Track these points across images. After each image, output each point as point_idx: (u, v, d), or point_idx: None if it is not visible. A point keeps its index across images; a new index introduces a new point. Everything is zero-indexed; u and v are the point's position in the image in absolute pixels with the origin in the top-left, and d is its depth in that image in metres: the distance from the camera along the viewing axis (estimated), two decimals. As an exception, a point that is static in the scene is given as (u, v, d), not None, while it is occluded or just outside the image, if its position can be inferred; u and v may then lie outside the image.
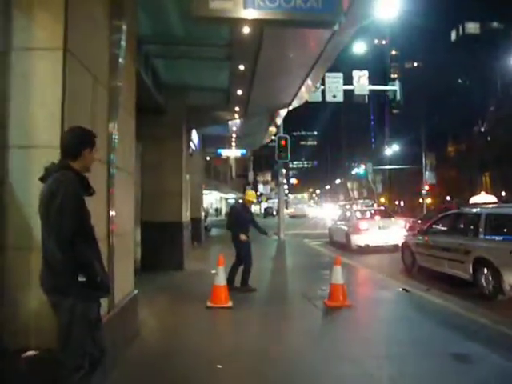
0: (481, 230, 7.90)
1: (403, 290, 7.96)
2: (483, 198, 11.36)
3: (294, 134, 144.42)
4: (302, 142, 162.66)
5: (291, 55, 7.93)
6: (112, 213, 4.24)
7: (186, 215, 11.87)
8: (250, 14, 4.65)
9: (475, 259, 7.71)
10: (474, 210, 8.77)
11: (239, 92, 10.03)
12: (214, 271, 8.52)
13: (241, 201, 10.45)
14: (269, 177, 72.99)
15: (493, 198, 11.64)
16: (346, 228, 16.16)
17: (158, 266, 10.18)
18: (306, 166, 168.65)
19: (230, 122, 15.44)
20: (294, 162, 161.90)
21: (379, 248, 14.35)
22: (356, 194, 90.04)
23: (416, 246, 10.18)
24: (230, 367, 4.36)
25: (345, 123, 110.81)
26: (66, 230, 2.61)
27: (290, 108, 13.92)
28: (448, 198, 53.62)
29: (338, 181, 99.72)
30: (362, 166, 56.92)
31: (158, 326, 5.99)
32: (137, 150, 10.83)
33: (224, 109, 11.92)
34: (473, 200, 11.58)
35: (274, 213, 50.52)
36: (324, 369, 4.33)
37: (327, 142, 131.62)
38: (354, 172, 73.40)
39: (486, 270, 7.43)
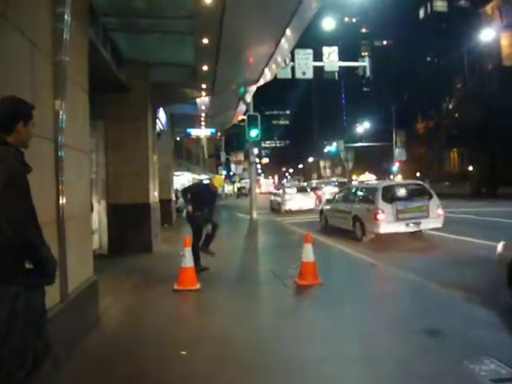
0: (355, 198, 12.88)
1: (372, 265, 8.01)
2: (366, 177, 20.20)
3: (267, 113, 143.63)
4: (275, 122, 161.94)
5: (256, 27, 7.62)
6: (62, 194, 3.94)
7: (154, 196, 11.54)
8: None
9: (353, 216, 12.14)
10: (353, 186, 14.35)
11: (205, 68, 9.65)
12: (182, 253, 8.35)
13: (206, 182, 10.25)
14: (241, 157, 72.45)
15: (373, 177, 21.93)
16: (279, 199, 24.53)
17: (125, 249, 9.92)
18: (278, 145, 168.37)
19: (198, 101, 15.01)
20: (267, 142, 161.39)
21: (299, 211, 22.42)
22: (329, 171, 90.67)
23: (326, 211, 15.04)
24: (194, 353, 4.17)
25: (317, 101, 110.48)
26: (19, 208, 2.31)
27: (259, 84, 13.59)
28: (418, 174, 54.63)
29: (310, 159, 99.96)
30: (334, 144, 57.10)
31: (121, 312, 5.74)
32: (100, 129, 10.48)
33: (190, 86, 11.53)
34: (360, 178, 19.29)
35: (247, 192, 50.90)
36: (292, 351, 4.20)
37: (299, 121, 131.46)
38: (326, 150, 73.69)
39: (357, 223, 11.83)
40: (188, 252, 6.79)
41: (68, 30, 4.03)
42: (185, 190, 8.86)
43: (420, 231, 11.41)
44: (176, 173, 38.27)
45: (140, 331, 4.92)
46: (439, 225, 11.24)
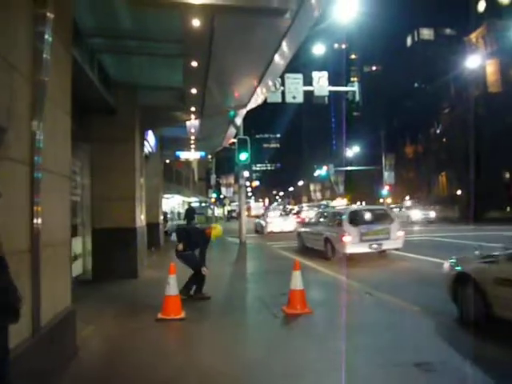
0: (326, 221, 14.45)
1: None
2: (339, 202, 24.35)
3: (257, 136, 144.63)
4: (265, 145, 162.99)
5: (245, 51, 7.56)
6: (37, 221, 3.72)
7: (141, 220, 11.29)
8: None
9: (324, 238, 13.49)
10: (324, 210, 17.81)
11: (193, 91, 9.55)
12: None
13: (199, 226, 10.18)
14: (232, 179, 72.40)
15: (344, 202, 28.02)
16: (262, 222, 27.10)
17: (110, 274, 9.64)
18: (269, 168, 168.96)
19: (188, 124, 14.89)
20: (258, 165, 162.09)
21: (281, 233, 24.31)
22: (319, 195, 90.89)
23: (303, 233, 16.45)
24: (175, 390, 3.92)
25: (307, 125, 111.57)
26: None
27: (248, 108, 13.55)
28: (407, 197, 54.87)
29: (300, 182, 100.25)
30: (325, 168, 57.38)
31: (100, 343, 5.45)
32: (86, 152, 10.28)
33: (179, 109, 11.41)
34: (333, 203, 22.36)
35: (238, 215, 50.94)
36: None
37: (290, 145, 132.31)
38: (316, 174, 74.03)
39: (328, 244, 13.13)
40: (172, 279, 6.53)
41: (49, 50, 3.89)
42: (180, 230, 8.69)
43: (384, 251, 12.76)
44: (166, 195, 38.11)
45: (118, 365, 4.65)
46: (399, 245, 12.65)
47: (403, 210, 38.23)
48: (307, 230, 16.10)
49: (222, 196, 70.43)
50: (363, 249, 12.15)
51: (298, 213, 36.44)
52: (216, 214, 60.32)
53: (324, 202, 50.70)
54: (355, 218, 12.74)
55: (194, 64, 7.89)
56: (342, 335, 5.22)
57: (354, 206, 21.36)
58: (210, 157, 41.00)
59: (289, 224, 25.67)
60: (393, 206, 42.12)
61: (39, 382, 3.71)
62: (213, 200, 51.62)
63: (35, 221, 3.70)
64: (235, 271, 11.76)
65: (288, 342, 5.31)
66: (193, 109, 11.20)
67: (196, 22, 6.25)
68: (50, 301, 4.07)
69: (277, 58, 8.20)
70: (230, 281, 10.18)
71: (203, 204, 62.90)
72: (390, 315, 6.40)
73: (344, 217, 12.75)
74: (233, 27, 6.53)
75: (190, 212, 24.08)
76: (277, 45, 7.40)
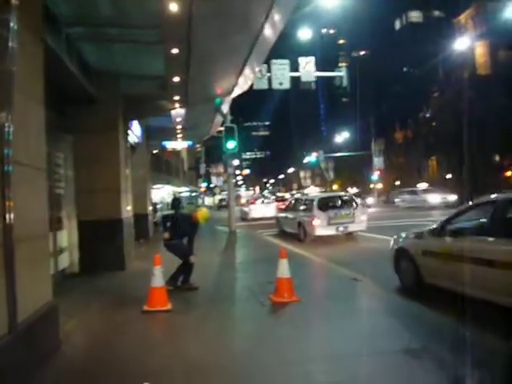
0: (300, 207, 15.79)
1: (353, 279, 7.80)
2: (312, 190, 31.92)
3: (246, 124, 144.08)
4: (254, 133, 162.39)
5: (225, 36, 7.38)
6: (9, 216, 3.61)
7: (127, 211, 11.16)
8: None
9: (298, 222, 14.99)
10: (297, 198, 19.32)
11: (176, 79, 9.37)
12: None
13: (185, 211, 10.00)
14: (222, 168, 72.25)
15: (316, 190, 38.57)
16: (246, 209, 29.46)
17: (97, 267, 9.54)
18: (258, 156, 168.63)
19: (173, 113, 14.69)
20: (247, 153, 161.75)
21: (262, 218, 26.41)
22: (309, 182, 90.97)
23: (281, 218, 18.02)
24: (159, 384, 3.87)
25: (296, 112, 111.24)
26: None
27: (234, 95, 13.39)
28: (398, 182, 55.10)
29: (290, 170, 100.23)
30: (314, 154, 57.33)
31: (83, 337, 5.37)
32: (68, 143, 10.10)
33: (163, 98, 11.24)
34: (306, 190, 30.55)
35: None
36: (264, 377, 3.93)
37: (279, 132, 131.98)
38: (306, 161, 74.05)
39: (301, 227, 14.64)
40: (157, 270, 6.45)
41: (15, 38, 3.74)
42: (165, 218, 8.49)
43: (351, 233, 14.43)
44: (156, 186, 37.90)
45: (101, 359, 4.57)
46: (363, 228, 14.45)
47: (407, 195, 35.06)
48: (283, 215, 17.72)
49: (212, 185, 70.28)
50: (331, 231, 13.77)
51: (283, 200, 40.46)
52: (206, 204, 60.27)
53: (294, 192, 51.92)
54: (324, 204, 14.49)
55: (175, 51, 7.74)
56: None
57: (323, 194, 23.23)
58: (198, 146, 40.75)
59: (270, 210, 27.71)
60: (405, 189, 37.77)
61: (18, 377, 3.64)
62: (203, 189, 51.44)
63: (7, 215, 3.59)
64: (224, 260, 11.72)
65: (274, 332, 5.27)
66: (176, 97, 11.04)
67: (174, 7, 6.10)
68: (28, 296, 3.98)
69: (265, 33, 7.90)
70: (218, 270, 10.12)
71: (193, 194, 62.77)
72: (344, 284, 7.60)
73: (314, 203, 14.33)
74: (212, 11, 6.35)
75: (176, 202, 23.87)
76: (258, 28, 7.21)
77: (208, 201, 68.71)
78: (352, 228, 14.11)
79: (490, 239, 5.22)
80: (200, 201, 54.78)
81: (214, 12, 6.36)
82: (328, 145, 68.89)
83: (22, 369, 3.77)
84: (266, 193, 79.68)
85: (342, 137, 64.42)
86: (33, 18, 4.37)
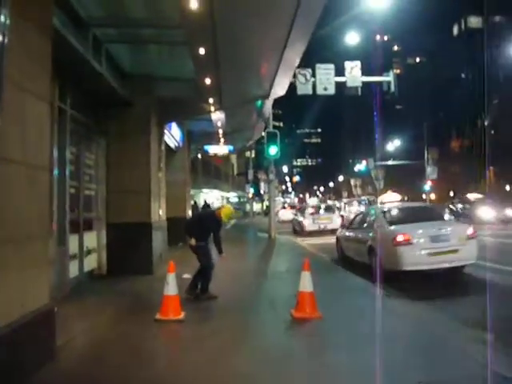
0: (298, 213, 25.91)
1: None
2: (390, 196, 27.43)
3: (298, 131, 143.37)
4: (306, 140, 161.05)
5: (253, 34, 7.03)
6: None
7: (159, 215, 11.05)
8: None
9: (297, 222, 23.06)
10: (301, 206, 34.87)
11: (207, 81, 9.13)
12: (186, 275, 7.75)
13: (210, 209, 9.72)
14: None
15: (397, 196, 31.43)
16: (300, 219, 25.56)
17: (125, 270, 9.43)
18: (310, 163, 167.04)
19: (213, 117, 14.54)
20: (299, 160, 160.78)
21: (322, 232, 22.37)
22: (360, 190, 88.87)
23: (293, 220, 25.48)
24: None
25: (348, 120, 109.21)
26: None
27: (272, 98, 12.97)
28: (452, 193, 52.62)
29: (341, 178, 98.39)
30: (364, 162, 55.81)
31: (86, 345, 5.13)
32: (101, 145, 10.13)
33: (197, 100, 11.05)
34: (382, 198, 25.42)
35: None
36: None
37: (331, 139, 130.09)
38: (356, 169, 72.29)
39: (299, 225, 22.38)
40: (171, 278, 6.17)
41: (7, 31, 3.58)
42: (188, 223, 8.30)
43: (330, 230, 18.90)
44: (204, 190, 38.14)
45: (99, 372, 4.27)
46: (337, 227, 17.43)
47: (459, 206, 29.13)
48: (293, 218, 25.94)
49: (261, 191, 70.06)
50: (315, 228, 20.91)
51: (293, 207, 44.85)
52: (254, 210, 60.05)
53: (364, 198, 48.97)
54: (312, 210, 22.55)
55: (202, 51, 7.48)
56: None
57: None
58: (247, 151, 40.66)
59: (332, 222, 21.03)
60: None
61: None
62: (250, 195, 51.30)
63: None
64: (252, 268, 11.30)
65: (289, 353, 4.78)
66: (211, 100, 10.82)
67: (194, 4, 5.84)
68: (12, 301, 3.78)
69: (292, 38, 7.44)
70: (243, 278, 9.65)
71: (241, 199, 62.79)
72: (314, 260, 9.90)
73: (306, 210, 22.83)
74: (235, 6, 6.01)
75: (205, 206, 24.12)
76: (289, 22, 6.70)
77: (256, 207, 68.49)
78: (330, 226, 20.85)
79: (359, 230, 10.58)
80: (248, 206, 54.76)
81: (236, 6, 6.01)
82: (380, 152, 66.96)
83: (6, 379, 3.56)
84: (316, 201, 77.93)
85: (393, 145, 62.43)
86: (37, 11, 4.23)
